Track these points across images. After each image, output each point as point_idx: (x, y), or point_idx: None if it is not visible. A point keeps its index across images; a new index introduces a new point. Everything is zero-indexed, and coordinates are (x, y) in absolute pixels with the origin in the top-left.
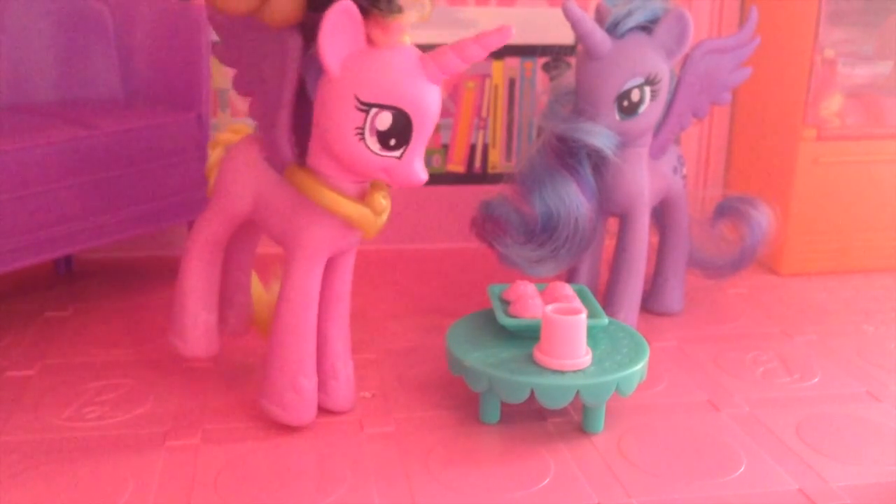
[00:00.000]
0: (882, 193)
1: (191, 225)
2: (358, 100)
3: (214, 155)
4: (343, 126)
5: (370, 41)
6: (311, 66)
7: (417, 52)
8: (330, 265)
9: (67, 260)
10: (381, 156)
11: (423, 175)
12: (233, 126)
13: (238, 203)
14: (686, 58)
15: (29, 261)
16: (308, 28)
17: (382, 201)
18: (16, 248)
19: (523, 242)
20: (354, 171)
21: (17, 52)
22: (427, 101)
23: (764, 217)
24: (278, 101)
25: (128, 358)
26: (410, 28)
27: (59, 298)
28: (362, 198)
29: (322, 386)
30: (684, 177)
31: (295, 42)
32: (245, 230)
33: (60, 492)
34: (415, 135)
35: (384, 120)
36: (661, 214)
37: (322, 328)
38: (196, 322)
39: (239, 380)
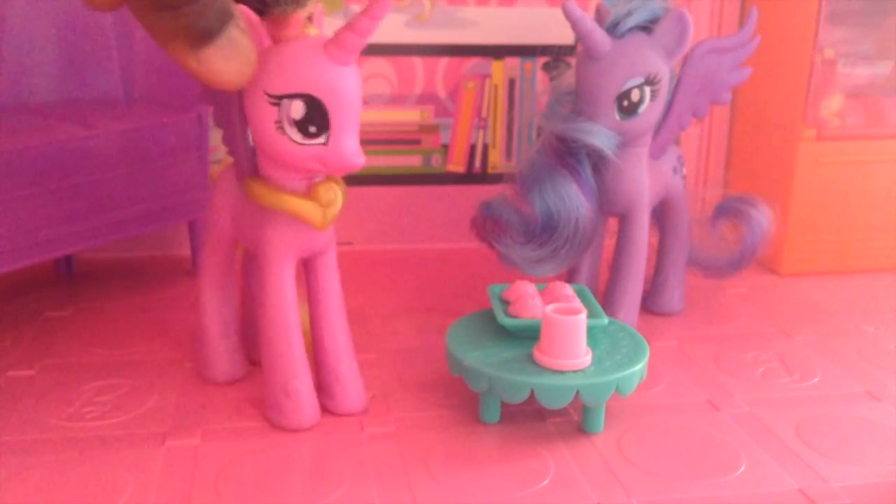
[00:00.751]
0: (882, 193)
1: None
2: (267, 94)
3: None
4: (263, 124)
5: (275, 39)
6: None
7: (322, 39)
8: (310, 268)
9: (67, 260)
10: (306, 145)
11: (358, 158)
12: (227, 158)
13: (221, 226)
14: (686, 58)
15: (29, 261)
16: None
17: (329, 194)
18: (16, 248)
19: (523, 242)
20: (288, 165)
21: (17, 52)
22: (335, 83)
23: (764, 217)
24: (231, 125)
25: (128, 358)
26: (313, 20)
27: (59, 298)
28: (308, 193)
29: (327, 390)
30: (684, 177)
31: None
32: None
33: (60, 492)
34: (333, 118)
35: (297, 108)
36: (661, 214)
37: (317, 333)
38: (218, 349)
39: (239, 379)
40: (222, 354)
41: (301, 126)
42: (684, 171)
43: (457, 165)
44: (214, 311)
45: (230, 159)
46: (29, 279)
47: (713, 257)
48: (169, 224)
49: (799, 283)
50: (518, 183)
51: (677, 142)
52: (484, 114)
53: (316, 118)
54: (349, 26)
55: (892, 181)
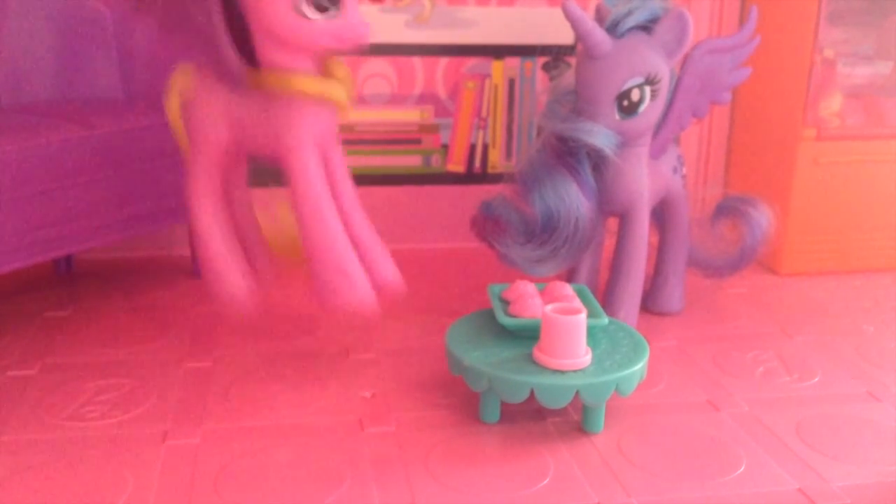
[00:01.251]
0: (882, 193)
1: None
2: None
3: (172, 106)
4: (279, 8)
5: None
6: None
7: None
8: (323, 159)
9: (67, 260)
10: (323, 21)
11: (367, 29)
12: (181, 68)
13: (216, 138)
14: (686, 57)
15: (29, 261)
16: None
17: (343, 69)
18: (16, 248)
19: (523, 242)
20: (304, 46)
21: (17, 52)
22: None
23: (764, 217)
24: (211, 25)
25: (128, 358)
26: None
27: (59, 298)
28: (323, 74)
29: (368, 266)
30: (684, 177)
31: None
32: (228, 173)
33: (60, 492)
34: None
35: None
36: (662, 214)
37: (344, 222)
38: (233, 274)
39: (239, 380)
40: (238, 275)
41: (317, 2)
42: (684, 170)
43: (457, 165)
44: (217, 236)
45: (189, 67)
46: (29, 279)
47: (713, 257)
48: (169, 224)
49: (799, 283)
50: (518, 182)
51: (677, 141)
52: (484, 114)
53: None
54: None
55: (892, 181)
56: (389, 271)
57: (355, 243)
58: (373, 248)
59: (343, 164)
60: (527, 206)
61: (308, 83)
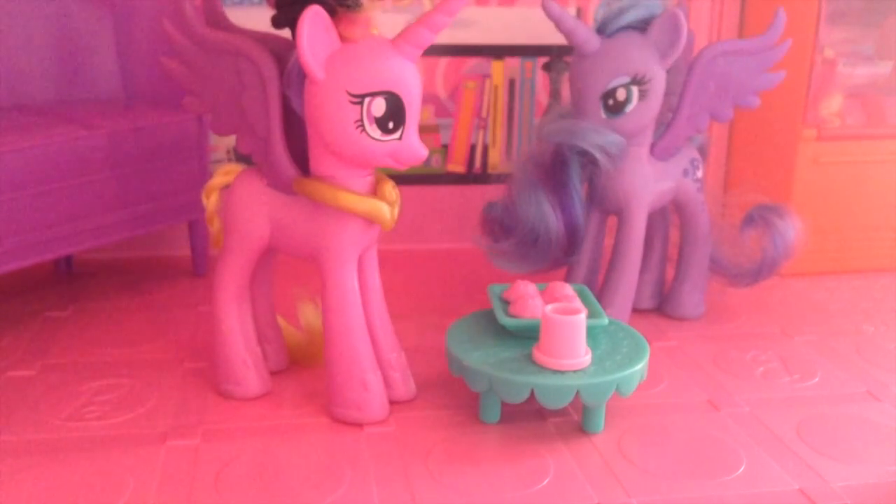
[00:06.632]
0: (882, 193)
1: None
2: (350, 94)
3: (211, 202)
4: (342, 123)
5: (342, 39)
6: (289, 82)
7: (384, 38)
8: (357, 264)
9: (67, 260)
10: (384, 141)
11: (424, 150)
12: (222, 168)
13: (256, 236)
14: (695, 59)
15: (29, 261)
16: (276, 48)
17: (393, 192)
18: (16, 248)
19: (502, 238)
20: (362, 163)
21: (17, 51)
22: (410, 79)
23: (790, 228)
24: (268, 126)
25: (128, 358)
26: (376, 20)
27: (59, 298)
28: (373, 193)
29: (384, 380)
30: (698, 180)
31: (270, 66)
32: (259, 264)
33: (60, 492)
34: (408, 113)
35: (378, 106)
36: (679, 218)
37: (368, 326)
38: (246, 364)
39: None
40: (251, 368)
41: (381, 123)
42: (699, 174)
43: (457, 165)
44: (238, 324)
45: (233, 167)
46: (29, 279)
47: (735, 265)
48: (169, 224)
49: (799, 283)
50: (508, 184)
51: (704, 148)
52: (484, 114)
53: (395, 114)
54: (422, 22)
55: (892, 181)
56: (408, 380)
57: (379, 347)
58: (395, 354)
59: (375, 267)
60: (513, 207)
61: (356, 201)
